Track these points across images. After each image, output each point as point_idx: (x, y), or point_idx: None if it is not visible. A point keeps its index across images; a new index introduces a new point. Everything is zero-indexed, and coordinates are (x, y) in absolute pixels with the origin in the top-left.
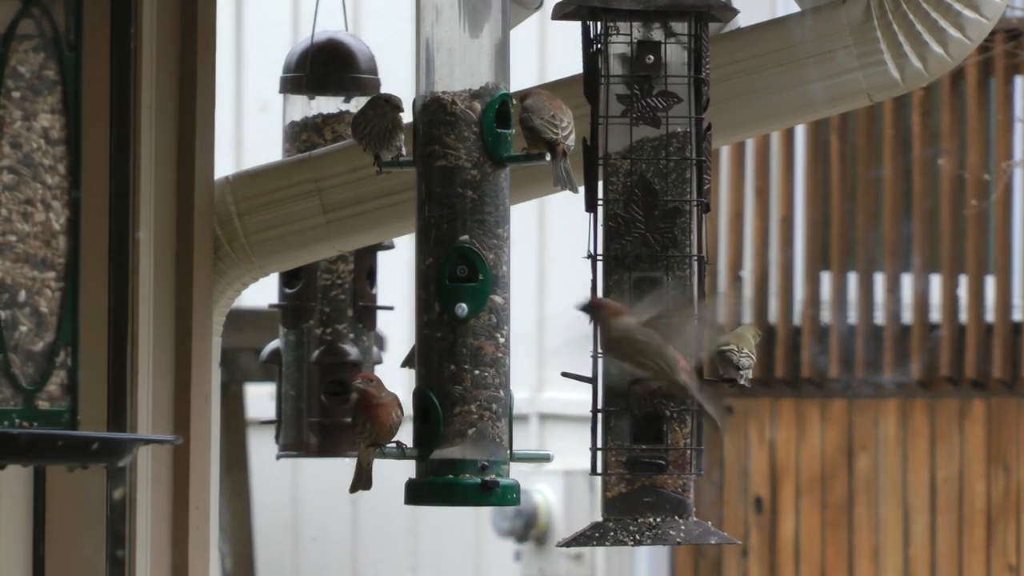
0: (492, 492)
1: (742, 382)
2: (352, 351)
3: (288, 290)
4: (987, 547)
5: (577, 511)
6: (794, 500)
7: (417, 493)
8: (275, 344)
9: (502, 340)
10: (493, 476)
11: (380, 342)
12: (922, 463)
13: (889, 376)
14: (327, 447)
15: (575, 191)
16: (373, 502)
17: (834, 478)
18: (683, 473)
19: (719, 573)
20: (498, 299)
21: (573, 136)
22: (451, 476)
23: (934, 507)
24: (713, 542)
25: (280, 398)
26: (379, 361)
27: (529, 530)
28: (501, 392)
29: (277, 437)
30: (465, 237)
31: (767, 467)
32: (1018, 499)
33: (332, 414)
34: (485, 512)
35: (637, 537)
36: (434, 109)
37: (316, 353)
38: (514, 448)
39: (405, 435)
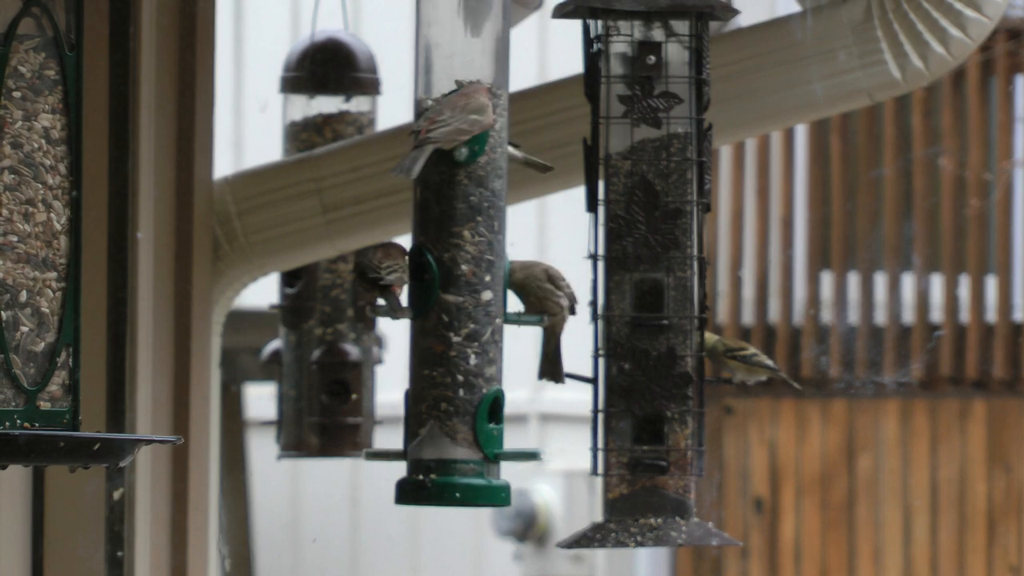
0: (423, 491)
1: (783, 375)
2: (353, 351)
3: (289, 290)
4: (988, 548)
5: (577, 512)
6: (795, 500)
7: (397, 491)
8: (276, 344)
9: (456, 339)
10: (425, 476)
11: (380, 342)
12: (923, 463)
13: (890, 376)
14: (328, 447)
15: (408, 176)
16: (373, 503)
17: (835, 478)
18: (684, 474)
19: (719, 573)
20: (451, 298)
21: (447, 129)
22: (407, 475)
23: (935, 508)
24: (715, 543)
25: (281, 398)
26: (380, 361)
27: (529, 530)
28: (459, 391)
29: (278, 437)
30: (423, 238)
31: (767, 467)
32: (1019, 499)
33: (333, 414)
34: (485, 512)
35: (638, 538)
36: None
37: (317, 353)
38: (505, 447)
39: None
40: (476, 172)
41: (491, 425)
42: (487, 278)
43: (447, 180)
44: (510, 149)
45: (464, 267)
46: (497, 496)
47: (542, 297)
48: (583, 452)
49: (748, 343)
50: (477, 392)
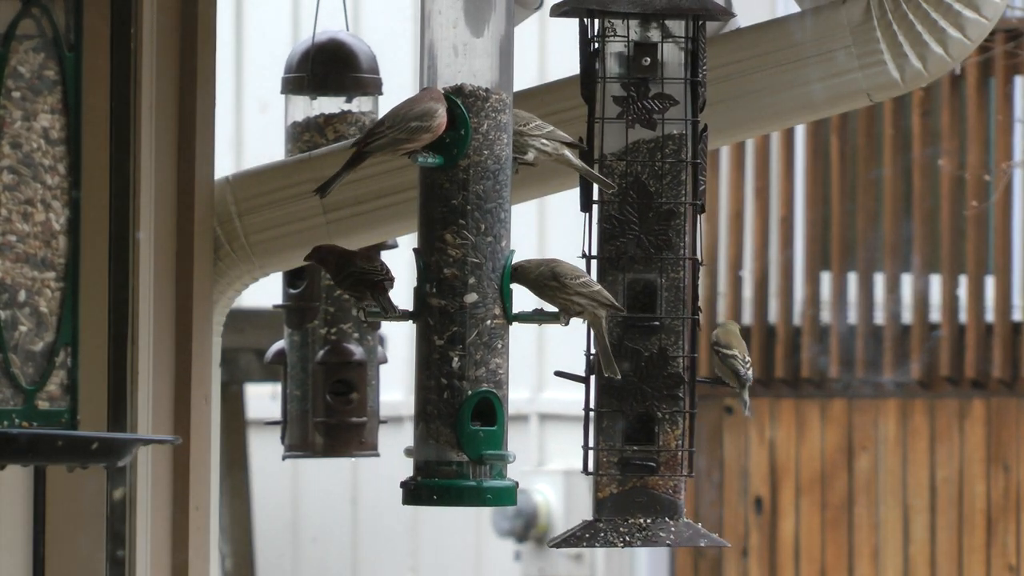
0: (409, 492)
1: (745, 397)
2: (357, 351)
3: (292, 290)
4: (987, 547)
5: (577, 511)
6: (794, 500)
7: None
8: (280, 344)
9: (439, 342)
10: (413, 477)
11: (382, 342)
12: (922, 463)
13: (889, 376)
14: (333, 447)
15: (321, 193)
16: (373, 502)
17: (834, 478)
18: (674, 474)
19: (719, 573)
20: (434, 302)
21: (383, 141)
22: (408, 476)
23: (934, 507)
24: (703, 544)
25: (285, 398)
26: (384, 361)
27: (529, 530)
28: (442, 394)
29: (283, 438)
30: (418, 242)
31: (767, 467)
32: (1018, 499)
33: (337, 414)
34: (485, 512)
35: (627, 538)
36: None
37: (321, 353)
38: (505, 448)
39: None
40: (458, 175)
41: (476, 427)
42: (471, 280)
43: (429, 184)
44: (566, 153)
45: (446, 270)
46: (480, 497)
47: (551, 296)
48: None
49: (739, 346)
50: (460, 395)
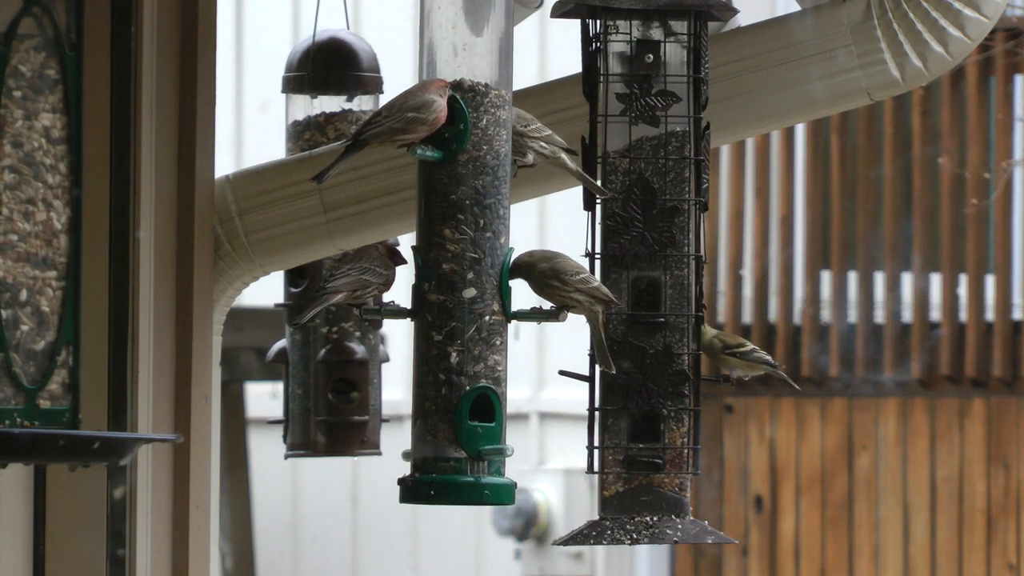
0: (406, 489)
1: (782, 372)
2: (358, 349)
3: (293, 289)
4: (987, 546)
5: (577, 510)
6: (794, 499)
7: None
8: (281, 343)
9: (438, 338)
10: (410, 474)
11: (384, 341)
12: (922, 462)
13: (889, 375)
14: (334, 446)
15: (318, 181)
16: (374, 501)
17: (834, 477)
18: (680, 472)
19: (719, 572)
20: (432, 297)
21: (379, 130)
22: (405, 473)
23: (934, 506)
24: (710, 541)
25: (287, 397)
26: (386, 359)
27: (529, 529)
28: (440, 390)
29: (284, 436)
30: (417, 238)
31: (767, 466)
32: (1018, 498)
33: (339, 413)
34: (485, 511)
35: (634, 536)
36: None
37: (322, 352)
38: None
39: None
40: (456, 170)
41: (475, 423)
42: (470, 276)
43: (428, 180)
44: (563, 157)
45: (445, 266)
46: (478, 494)
47: (550, 293)
48: (583, 450)
49: (746, 339)
50: (458, 390)
